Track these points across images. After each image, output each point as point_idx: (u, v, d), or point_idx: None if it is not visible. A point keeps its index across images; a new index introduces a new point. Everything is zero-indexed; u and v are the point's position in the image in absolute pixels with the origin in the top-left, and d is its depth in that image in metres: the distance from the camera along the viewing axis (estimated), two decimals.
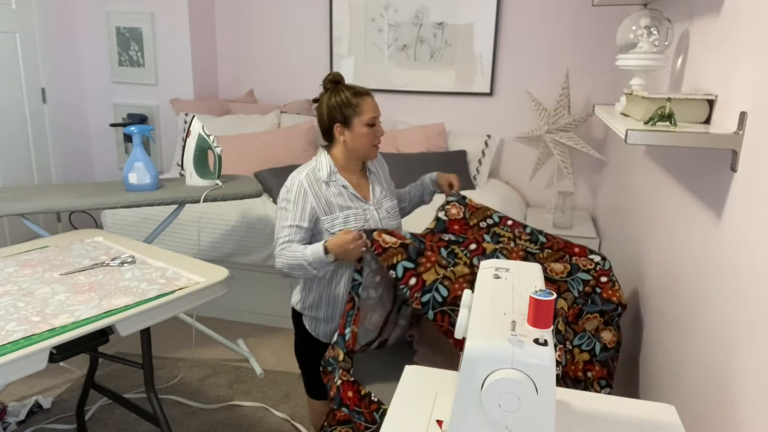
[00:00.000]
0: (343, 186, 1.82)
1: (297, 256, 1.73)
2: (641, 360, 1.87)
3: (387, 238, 1.62)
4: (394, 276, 1.60)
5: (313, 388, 1.96)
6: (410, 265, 1.60)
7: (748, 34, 1.23)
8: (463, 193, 3.23)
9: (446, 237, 1.83)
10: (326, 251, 1.68)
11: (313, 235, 1.82)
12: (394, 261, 1.60)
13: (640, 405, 1.17)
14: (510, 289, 1.06)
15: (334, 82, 1.80)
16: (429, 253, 1.62)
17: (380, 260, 1.64)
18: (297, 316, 1.93)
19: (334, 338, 1.69)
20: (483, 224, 2.01)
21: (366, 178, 1.91)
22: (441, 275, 1.59)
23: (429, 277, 1.59)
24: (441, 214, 1.96)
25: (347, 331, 1.66)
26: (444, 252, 1.65)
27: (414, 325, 2.00)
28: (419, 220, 2.52)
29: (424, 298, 1.57)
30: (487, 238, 1.93)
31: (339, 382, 1.61)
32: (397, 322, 1.93)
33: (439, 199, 2.24)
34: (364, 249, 1.67)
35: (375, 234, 1.63)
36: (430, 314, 1.57)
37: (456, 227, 2.00)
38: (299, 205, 1.76)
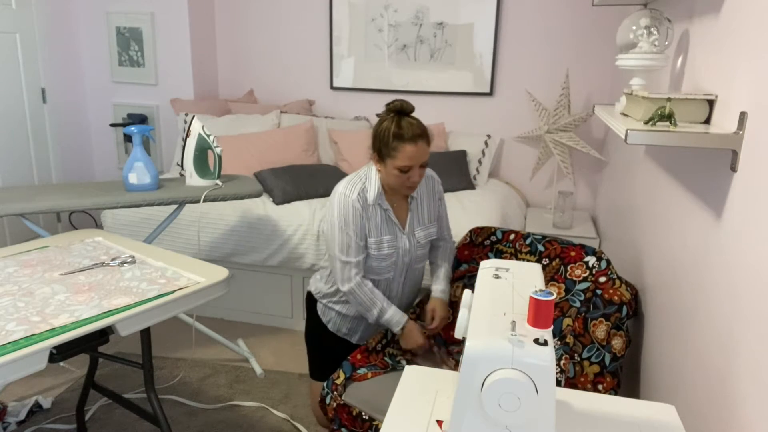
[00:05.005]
0: (385, 209, 1.84)
1: (376, 302, 1.82)
2: (641, 360, 1.87)
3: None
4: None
5: (317, 371, 2.06)
6: None
7: (748, 34, 1.22)
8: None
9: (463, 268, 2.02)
10: (401, 328, 1.84)
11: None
12: None
13: (640, 405, 1.17)
14: (510, 289, 1.06)
15: (394, 111, 1.75)
16: None
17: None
18: (312, 301, 2.02)
19: (346, 365, 1.82)
20: (487, 242, 2.08)
21: (407, 202, 1.91)
22: None
23: None
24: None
25: (362, 370, 1.79)
26: None
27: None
28: None
29: None
30: (491, 256, 2.05)
31: (334, 405, 1.73)
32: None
33: None
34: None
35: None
36: None
37: (466, 252, 2.09)
38: (358, 225, 1.79)
